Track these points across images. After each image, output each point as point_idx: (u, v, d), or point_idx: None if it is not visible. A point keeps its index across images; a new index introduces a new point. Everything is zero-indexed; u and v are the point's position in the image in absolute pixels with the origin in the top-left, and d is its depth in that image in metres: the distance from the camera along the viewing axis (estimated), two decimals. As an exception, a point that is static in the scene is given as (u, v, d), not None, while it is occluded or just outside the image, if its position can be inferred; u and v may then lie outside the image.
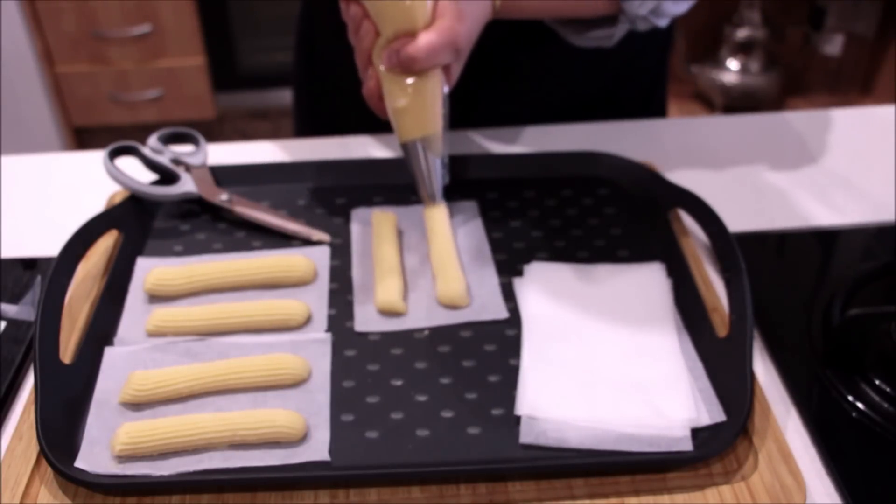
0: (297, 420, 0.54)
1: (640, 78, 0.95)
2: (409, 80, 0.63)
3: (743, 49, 2.21)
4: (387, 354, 0.60)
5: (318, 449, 0.53)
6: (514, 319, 0.63)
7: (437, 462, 0.53)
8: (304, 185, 0.77)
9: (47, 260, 0.68)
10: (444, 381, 0.58)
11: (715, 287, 0.66)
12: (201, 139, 0.78)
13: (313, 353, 0.60)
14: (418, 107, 0.64)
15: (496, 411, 0.56)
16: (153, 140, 0.77)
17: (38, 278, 0.69)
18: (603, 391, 0.56)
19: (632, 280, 0.66)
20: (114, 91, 2.24)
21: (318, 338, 0.61)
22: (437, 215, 0.70)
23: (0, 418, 0.58)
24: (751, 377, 0.56)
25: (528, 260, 0.68)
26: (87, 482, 0.51)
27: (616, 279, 0.66)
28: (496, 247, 0.70)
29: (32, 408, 0.54)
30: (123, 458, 0.53)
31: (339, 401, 0.57)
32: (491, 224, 0.72)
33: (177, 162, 0.75)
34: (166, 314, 0.62)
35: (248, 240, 0.72)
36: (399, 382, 0.58)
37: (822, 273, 0.71)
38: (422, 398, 0.57)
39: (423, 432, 0.54)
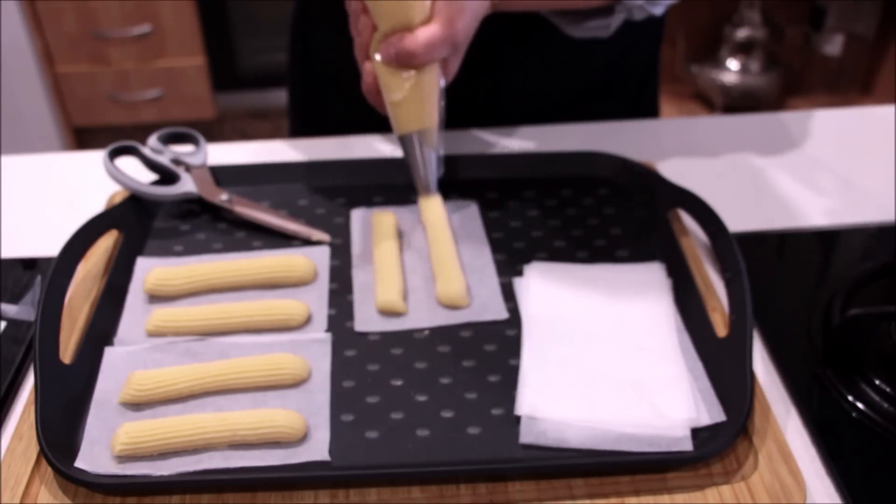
0: (297, 420, 0.54)
1: (633, 70, 0.95)
2: (407, 74, 0.63)
3: (743, 49, 2.21)
4: (387, 354, 0.60)
5: (318, 449, 0.53)
6: (514, 319, 0.63)
7: (437, 462, 0.53)
8: (304, 185, 0.77)
9: (47, 260, 0.68)
10: (444, 381, 0.58)
11: (715, 287, 0.66)
12: (201, 139, 0.78)
13: (313, 353, 0.60)
14: (415, 100, 0.64)
15: (496, 411, 0.56)
16: (153, 140, 0.77)
17: (38, 278, 0.69)
18: (603, 391, 0.56)
19: (632, 280, 0.66)
20: (114, 91, 2.24)
21: (318, 338, 0.61)
22: (436, 215, 0.71)
23: (0, 418, 0.58)
24: (751, 377, 0.56)
25: (528, 260, 0.68)
26: (87, 482, 0.51)
27: (616, 279, 0.66)
28: (496, 247, 0.70)
29: (32, 408, 0.54)
30: (123, 458, 0.53)
31: (339, 401, 0.57)
32: (491, 224, 0.72)
33: (177, 162, 0.75)
34: (166, 314, 0.62)
35: (248, 240, 0.72)
36: (399, 382, 0.58)
37: (822, 273, 0.71)
38: (422, 398, 0.57)
39: (423, 432, 0.54)
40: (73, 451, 0.53)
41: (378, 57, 0.63)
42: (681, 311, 0.63)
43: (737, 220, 0.72)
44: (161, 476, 0.51)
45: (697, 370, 0.58)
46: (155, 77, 2.23)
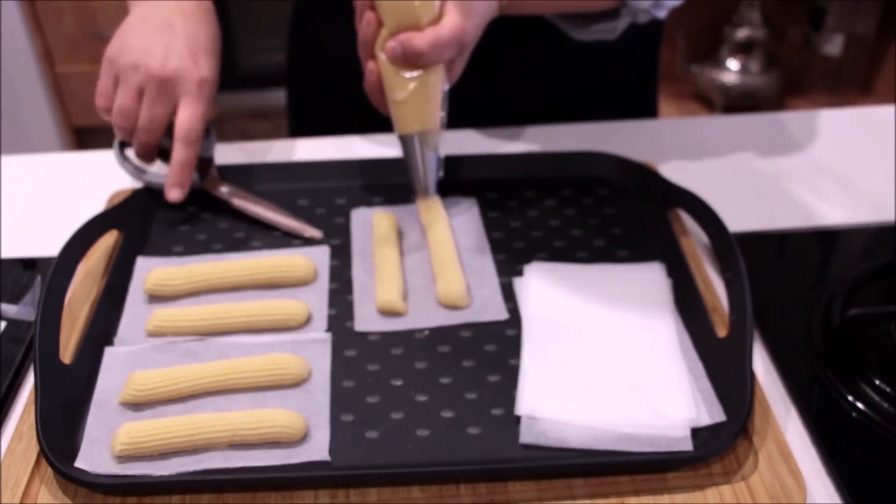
0: (297, 420, 0.54)
1: (633, 71, 0.95)
2: (412, 74, 0.63)
3: (743, 49, 2.21)
4: (387, 354, 0.60)
5: (318, 449, 0.53)
6: (514, 319, 0.63)
7: (437, 462, 0.53)
8: (304, 185, 0.77)
9: (47, 260, 0.68)
10: (444, 381, 0.58)
11: (715, 287, 0.66)
12: (212, 130, 0.78)
13: (313, 353, 0.60)
14: (419, 100, 0.64)
15: (496, 411, 0.56)
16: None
17: (38, 278, 0.69)
18: (603, 391, 0.56)
19: (632, 280, 0.66)
20: (114, 91, 2.23)
21: (318, 338, 0.61)
22: (436, 215, 0.71)
23: (0, 418, 0.58)
24: (751, 377, 0.56)
25: (528, 260, 0.68)
26: (87, 482, 0.51)
27: (616, 279, 0.66)
28: (496, 247, 0.70)
29: (32, 408, 0.54)
30: (123, 458, 0.53)
31: (339, 401, 0.57)
32: (491, 224, 0.72)
33: None
34: (166, 314, 0.62)
35: (248, 240, 0.72)
36: (399, 382, 0.58)
37: (822, 273, 0.71)
38: (422, 398, 0.57)
39: (423, 432, 0.54)
40: (73, 451, 0.53)
41: (383, 55, 0.63)
42: (681, 311, 0.63)
43: (737, 220, 0.72)
44: (161, 476, 0.51)
45: (697, 370, 0.58)
46: (155, 77, 2.23)
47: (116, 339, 0.62)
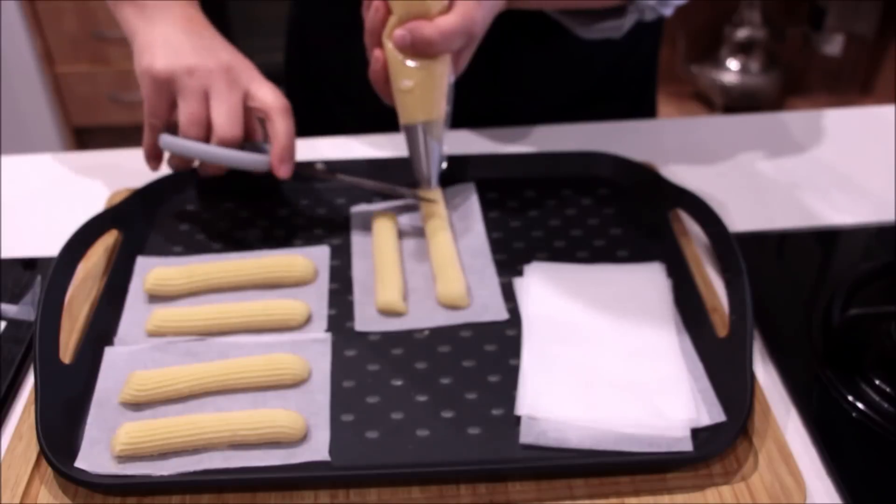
0: (297, 420, 0.54)
1: (633, 71, 0.95)
2: (419, 63, 0.63)
3: (743, 49, 2.21)
4: (387, 354, 0.60)
5: (318, 449, 0.53)
6: (514, 319, 0.63)
7: (437, 462, 0.53)
8: (305, 185, 0.77)
9: (47, 260, 0.68)
10: (444, 381, 0.58)
11: (715, 287, 0.66)
12: None
13: (313, 353, 0.60)
14: (425, 90, 0.64)
15: (496, 411, 0.56)
16: None
17: (38, 278, 0.69)
18: (603, 391, 0.56)
19: (632, 280, 0.66)
20: (114, 91, 2.24)
21: (318, 338, 0.61)
22: (436, 215, 0.70)
23: (0, 418, 0.58)
24: (751, 377, 0.56)
25: (528, 260, 0.68)
26: (87, 482, 0.51)
27: (616, 279, 0.66)
28: (496, 247, 0.70)
29: (32, 408, 0.54)
30: (123, 459, 0.53)
31: (339, 401, 0.57)
32: (491, 224, 0.72)
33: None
34: (166, 314, 0.62)
35: (248, 240, 0.72)
36: (399, 382, 0.58)
37: (822, 273, 0.71)
38: (422, 398, 0.57)
39: (423, 432, 0.54)
40: (73, 451, 0.53)
41: (390, 43, 0.63)
42: (681, 311, 0.63)
43: (737, 220, 0.72)
44: (161, 476, 0.51)
45: (697, 370, 0.58)
46: (155, 77, 2.23)
47: (116, 339, 0.62)
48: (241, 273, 0.66)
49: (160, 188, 0.75)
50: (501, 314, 0.64)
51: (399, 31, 0.62)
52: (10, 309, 0.66)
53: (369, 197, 0.76)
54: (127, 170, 0.80)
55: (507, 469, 0.52)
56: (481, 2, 0.62)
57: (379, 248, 0.68)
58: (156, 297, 0.65)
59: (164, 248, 0.71)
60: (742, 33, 2.19)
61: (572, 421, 0.54)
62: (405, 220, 0.73)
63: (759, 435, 0.54)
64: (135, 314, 0.64)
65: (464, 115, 0.84)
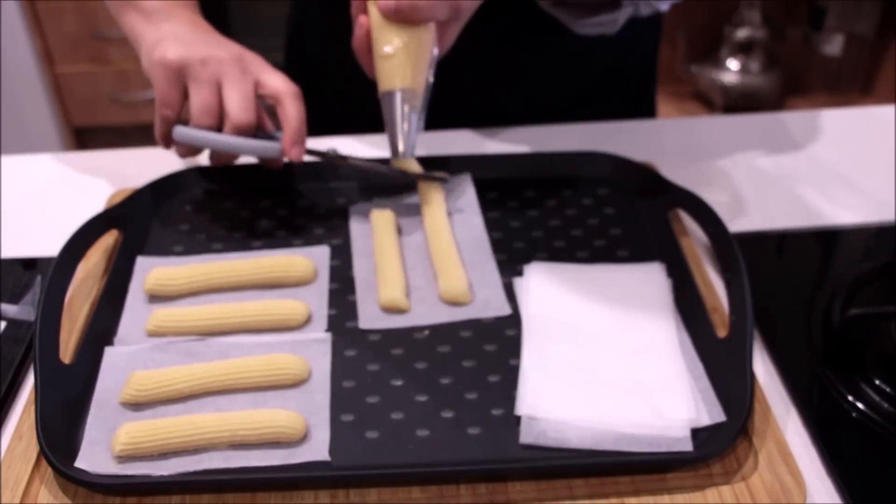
0: (297, 420, 0.54)
1: (632, 71, 0.95)
2: (402, 30, 0.62)
3: (743, 49, 2.21)
4: (387, 354, 0.60)
5: (318, 449, 0.53)
6: (515, 319, 0.63)
7: (437, 462, 0.53)
8: (305, 185, 0.77)
9: (47, 260, 0.68)
10: (444, 381, 0.58)
11: (715, 287, 0.66)
12: None
13: (313, 353, 0.60)
14: (406, 57, 0.63)
15: (496, 411, 0.56)
16: None
17: (38, 278, 0.69)
18: (603, 391, 0.56)
19: (632, 280, 0.66)
20: (114, 91, 2.24)
21: (318, 338, 0.61)
22: (435, 212, 0.70)
23: (0, 418, 0.58)
24: (751, 377, 0.56)
25: (528, 260, 0.68)
26: (87, 482, 0.51)
27: (616, 279, 0.66)
28: (496, 247, 0.70)
29: (32, 408, 0.54)
30: (123, 459, 0.53)
31: (339, 401, 0.57)
32: (491, 224, 0.72)
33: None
34: (166, 314, 0.62)
35: (248, 240, 0.72)
36: (399, 382, 0.58)
37: (822, 273, 0.71)
38: (422, 398, 0.57)
39: (423, 432, 0.54)
40: (73, 451, 0.53)
41: (375, 9, 0.62)
42: (681, 311, 0.63)
43: (737, 220, 0.72)
44: (161, 476, 0.51)
45: (697, 370, 0.58)
46: (155, 77, 2.23)
47: (116, 339, 0.62)
48: (241, 273, 0.66)
49: (160, 188, 0.75)
50: (504, 310, 0.63)
51: None
52: (10, 309, 0.66)
53: (369, 196, 0.76)
54: (127, 170, 0.80)
55: (507, 469, 0.52)
56: None
57: (379, 246, 0.68)
58: (156, 297, 0.65)
59: (164, 248, 0.71)
60: (742, 33, 2.19)
61: (572, 421, 0.54)
62: (404, 217, 0.73)
63: (759, 435, 0.54)
64: (135, 314, 0.64)
65: (464, 115, 0.85)
